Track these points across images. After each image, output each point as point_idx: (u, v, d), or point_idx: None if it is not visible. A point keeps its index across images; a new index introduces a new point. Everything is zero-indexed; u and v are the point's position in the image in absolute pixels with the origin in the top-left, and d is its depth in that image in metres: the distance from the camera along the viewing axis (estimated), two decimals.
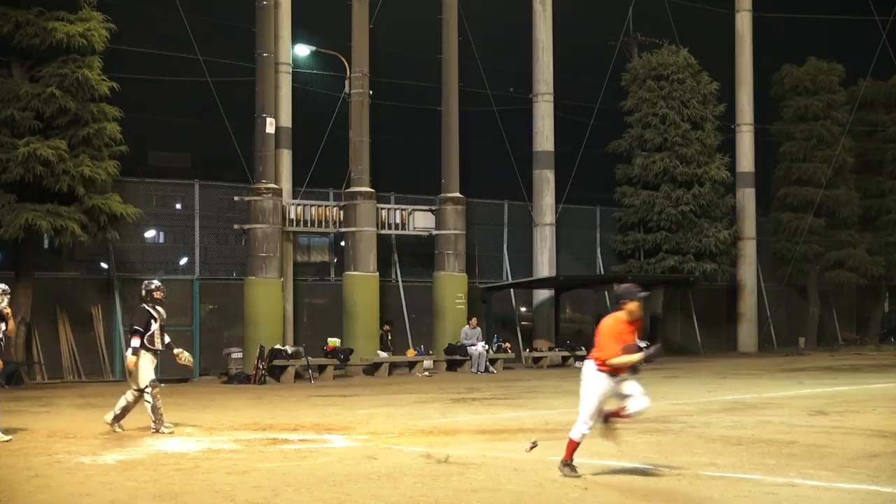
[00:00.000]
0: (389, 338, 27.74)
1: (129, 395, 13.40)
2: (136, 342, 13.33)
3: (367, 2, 27.39)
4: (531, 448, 11.06)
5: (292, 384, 23.49)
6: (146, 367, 13.37)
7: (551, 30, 32.00)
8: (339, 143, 28.17)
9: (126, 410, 13.46)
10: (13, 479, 9.98)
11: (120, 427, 13.42)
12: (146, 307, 13.56)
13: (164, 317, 13.79)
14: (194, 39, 26.18)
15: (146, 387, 13.23)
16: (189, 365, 14.66)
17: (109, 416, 13.49)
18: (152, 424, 13.29)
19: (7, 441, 12.42)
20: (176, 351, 14.05)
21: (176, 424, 14.35)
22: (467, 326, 27.66)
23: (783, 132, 38.01)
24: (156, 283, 13.88)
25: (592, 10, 35.97)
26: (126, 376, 13.23)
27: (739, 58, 36.92)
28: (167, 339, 13.76)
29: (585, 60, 35.77)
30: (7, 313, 13.09)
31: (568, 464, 9.69)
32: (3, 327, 12.94)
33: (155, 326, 13.44)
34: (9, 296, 13.18)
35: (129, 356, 13.39)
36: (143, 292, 13.74)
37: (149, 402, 13.24)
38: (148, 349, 13.42)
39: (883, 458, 10.79)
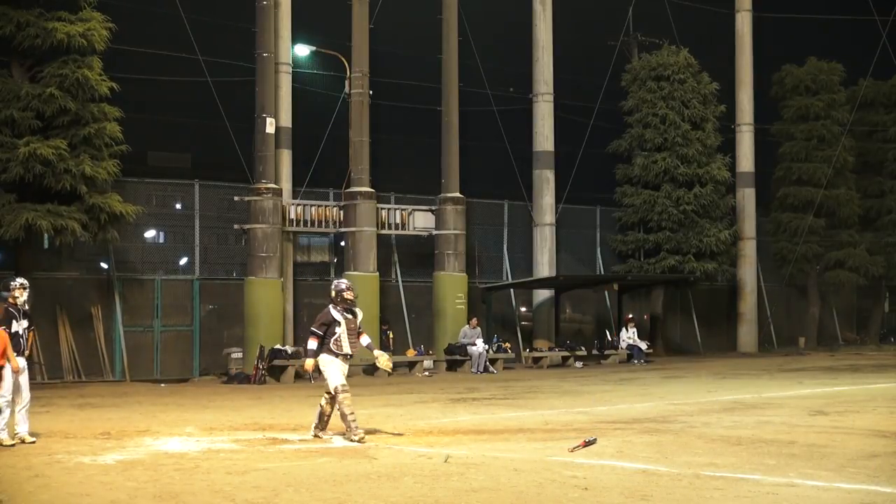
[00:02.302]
0: (390, 336, 27.74)
1: (322, 401, 12.57)
2: (312, 344, 12.40)
3: (367, 2, 27.40)
4: (584, 446, 11.27)
5: (292, 384, 23.49)
6: (334, 372, 12.35)
7: (551, 30, 32.01)
8: (339, 143, 28.17)
9: (322, 416, 12.58)
10: (13, 479, 9.98)
11: (325, 433, 12.58)
12: (331, 308, 12.50)
13: (359, 317, 12.68)
14: (194, 39, 26.19)
15: (336, 392, 12.27)
16: (388, 370, 13.65)
17: (312, 428, 12.67)
18: (345, 433, 12.36)
19: (10, 445, 12.33)
20: (376, 353, 13.29)
21: (176, 424, 14.35)
22: (467, 326, 27.67)
23: (783, 132, 38.04)
24: (345, 282, 12.73)
25: (592, 10, 35.98)
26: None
27: (739, 58, 36.93)
28: (367, 341, 12.75)
29: (585, 60, 35.79)
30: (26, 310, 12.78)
31: None
32: (26, 324, 12.69)
33: (340, 330, 12.34)
34: (28, 290, 12.74)
35: (306, 361, 12.60)
36: (333, 292, 12.57)
37: (339, 409, 12.30)
38: (336, 354, 12.36)
39: (883, 458, 10.79)
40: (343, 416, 12.22)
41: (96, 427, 14.21)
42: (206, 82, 26.36)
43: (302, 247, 28.47)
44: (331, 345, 12.33)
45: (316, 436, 12.53)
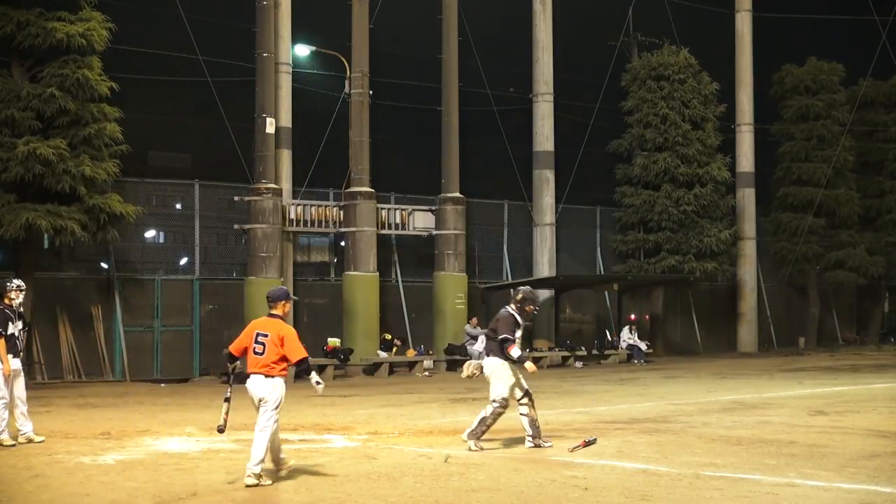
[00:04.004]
0: (396, 344, 27.75)
1: (524, 409, 11.85)
2: (516, 351, 11.73)
3: (367, 2, 27.41)
4: (584, 446, 11.31)
5: (292, 384, 23.36)
6: (504, 380, 11.78)
7: (551, 30, 32.01)
8: (339, 143, 28.17)
9: (533, 424, 11.85)
10: (13, 479, 9.98)
11: (479, 447, 11.64)
12: (515, 313, 11.98)
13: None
14: (194, 39, 26.19)
15: (493, 402, 11.74)
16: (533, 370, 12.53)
17: (530, 443, 11.86)
18: (529, 439, 11.76)
19: (11, 445, 12.30)
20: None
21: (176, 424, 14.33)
22: (468, 325, 27.71)
23: (783, 132, 38.00)
24: (533, 293, 12.30)
25: (592, 10, 35.95)
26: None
27: (739, 58, 36.93)
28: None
29: (585, 60, 35.77)
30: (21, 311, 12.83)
31: None
32: (20, 325, 12.64)
33: (518, 334, 11.94)
34: (24, 291, 12.72)
35: (527, 365, 11.87)
36: (519, 296, 12.05)
37: (525, 416, 11.74)
38: (506, 358, 11.85)
39: (883, 458, 10.80)
40: (532, 422, 11.73)
41: (96, 427, 14.21)
42: (206, 82, 26.37)
43: (302, 247, 28.47)
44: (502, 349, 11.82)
45: (537, 445, 11.72)
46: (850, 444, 11.82)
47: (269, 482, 9.60)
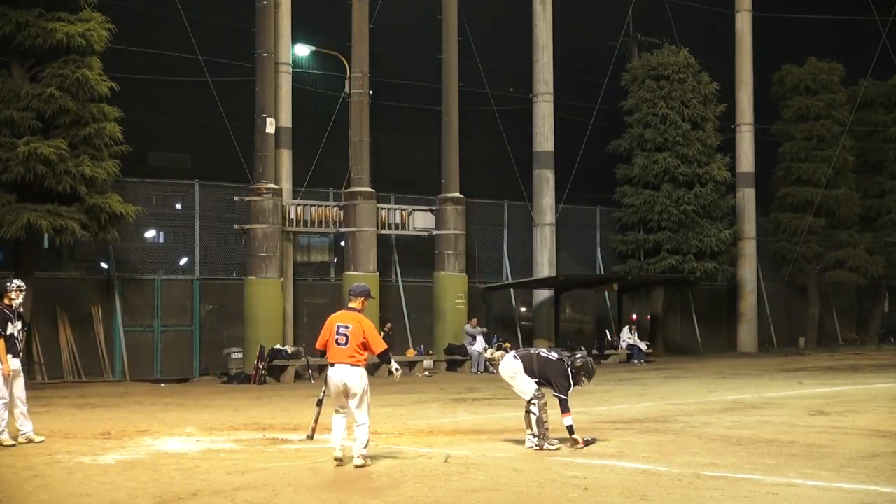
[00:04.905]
0: (390, 335, 27.74)
1: (534, 409, 11.77)
2: (569, 421, 11.85)
3: (367, 2, 27.41)
4: (584, 446, 11.43)
5: (292, 384, 23.50)
6: (527, 381, 11.85)
7: (551, 30, 32.01)
8: (339, 143, 28.17)
9: (542, 424, 11.71)
10: (13, 479, 9.98)
11: (556, 443, 11.74)
12: (568, 370, 11.92)
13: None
14: (194, 39, 26.19)
15: (531, 398, 11.73)
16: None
17: (531, 442, 11.77)
18: (531, 439, 11.74)
19: (11, 445, 12.28)
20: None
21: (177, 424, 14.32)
22: (468, 325, 27.71)
23: (783, 132, 38.00)
24: (592, 363, 12.30)
25: (592, 11, 35.96)
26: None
27: (739, 58, 36.94)
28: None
29: (585, 60, 35.77)
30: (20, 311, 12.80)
31: None
32: (20, 325, 12.60)
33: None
34: (24, 292, 12.71)
35: (578, 438, 11.88)
36: (579, 363, 12.01)
37: (534, 414, 11.68)
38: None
39: (883, 458, 10.80)
40: (540, 422, 11.65)
41: (96, 427, 14.21)
42: (206, 82, 26.37)
43: (302, 247, 28.48)
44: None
45: (540, 447, 11.64)
46: (850, 444, 11.82)
47: (371, 463, 10.48)
